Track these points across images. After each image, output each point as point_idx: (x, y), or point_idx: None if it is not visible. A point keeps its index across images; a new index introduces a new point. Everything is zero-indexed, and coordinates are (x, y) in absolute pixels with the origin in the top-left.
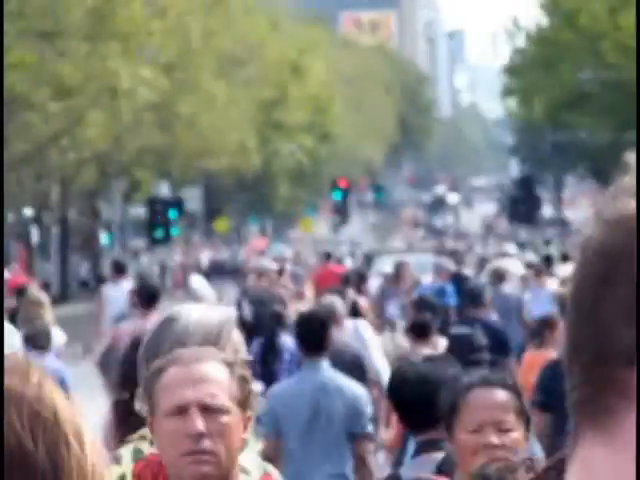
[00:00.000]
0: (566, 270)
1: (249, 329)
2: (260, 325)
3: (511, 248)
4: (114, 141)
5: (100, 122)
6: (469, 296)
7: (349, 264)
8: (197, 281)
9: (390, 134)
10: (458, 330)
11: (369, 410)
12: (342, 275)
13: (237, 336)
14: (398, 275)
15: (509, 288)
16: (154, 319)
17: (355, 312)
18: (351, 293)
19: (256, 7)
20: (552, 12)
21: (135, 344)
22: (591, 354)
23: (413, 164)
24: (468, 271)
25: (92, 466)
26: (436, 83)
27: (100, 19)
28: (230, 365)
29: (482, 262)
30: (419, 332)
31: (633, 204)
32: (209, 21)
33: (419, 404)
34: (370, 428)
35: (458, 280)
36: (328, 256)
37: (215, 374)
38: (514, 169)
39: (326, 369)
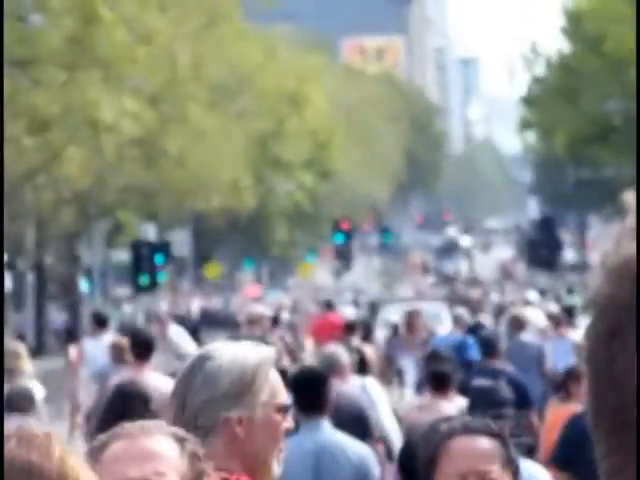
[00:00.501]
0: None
1: None
2: None
3: (532, 295)
4: (95, 179)
5: (80, 158)
6: (483, 346)
7: (352, 313)
8: (175, 332)
9: (397, 170)
10: (479, 382)
11: (377, 472)
12: (345, 325)
13: (275, 377)
14: (410, 325)
15: (528, 337)
16: (147, 373)
17: (362, 364)
18: (356, 343)
19: (250, 32)
20: (574, 37)
21: (120, 392)
22: (613, 418)
23: (422, 203)
24: (485, 321)
25: None
26: (447, 115)
27: (79, 45)
28: (181, 440)
29: (499, 311)
30: (438, 384)
31: (633, 248)
32: (198, 48)
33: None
34: None
35: (477, 331)
36: (329, 305)
37: (163, 450)
38: (533, 209)
39: (327, 429)
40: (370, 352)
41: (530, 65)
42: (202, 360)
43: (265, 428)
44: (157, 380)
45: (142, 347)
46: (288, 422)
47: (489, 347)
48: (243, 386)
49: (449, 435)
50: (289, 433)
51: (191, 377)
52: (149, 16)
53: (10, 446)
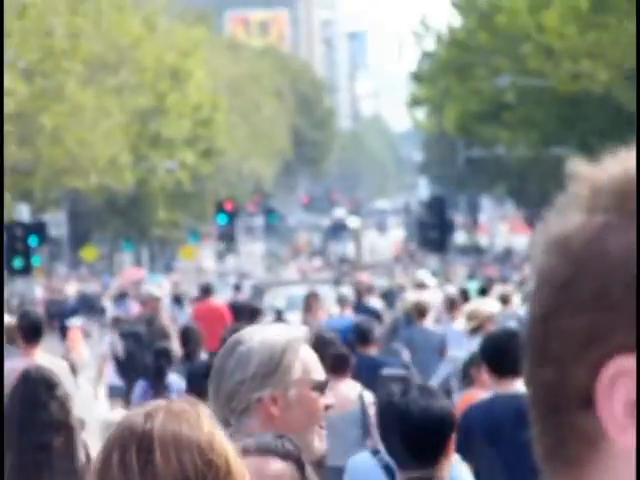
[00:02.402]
0: (476, 305)
1: (124, 368)
2: (135, 363)
3: (428, 278)
4: None
5: None
6: (358, 333)
7: (233, 298)
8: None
9: (283, 149)
10: (389, 371)
11: None
12: (233, 310)
13: (308, 355)
14: (308, 307)
15: (429, 324)
16: (39, 356)
17: None
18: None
19: (128, 5)
20: (466, 11)
21: (26, 378)
22: (546, 400)
23: (309, 183)
24: (374, 304)
25: None
26: (335, 90)
27: None
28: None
29: (389, 294)
30: (337, 366)
31: (578, 219)
32: (75, 20)
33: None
34: None
35: (365, 313)
36: (206, 290)
37: None
38: (423, 189)
39: None
40: None
41: (420, 40)
42: (234, 345)
43: (300, 405)
44: (47, 362)
45: (31, 329)
46: (326, 398)
47: (363, 335)
48: (272, 366)
49: (239, 455)
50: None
51: (224, 362)
52: None
53: (159, 419)
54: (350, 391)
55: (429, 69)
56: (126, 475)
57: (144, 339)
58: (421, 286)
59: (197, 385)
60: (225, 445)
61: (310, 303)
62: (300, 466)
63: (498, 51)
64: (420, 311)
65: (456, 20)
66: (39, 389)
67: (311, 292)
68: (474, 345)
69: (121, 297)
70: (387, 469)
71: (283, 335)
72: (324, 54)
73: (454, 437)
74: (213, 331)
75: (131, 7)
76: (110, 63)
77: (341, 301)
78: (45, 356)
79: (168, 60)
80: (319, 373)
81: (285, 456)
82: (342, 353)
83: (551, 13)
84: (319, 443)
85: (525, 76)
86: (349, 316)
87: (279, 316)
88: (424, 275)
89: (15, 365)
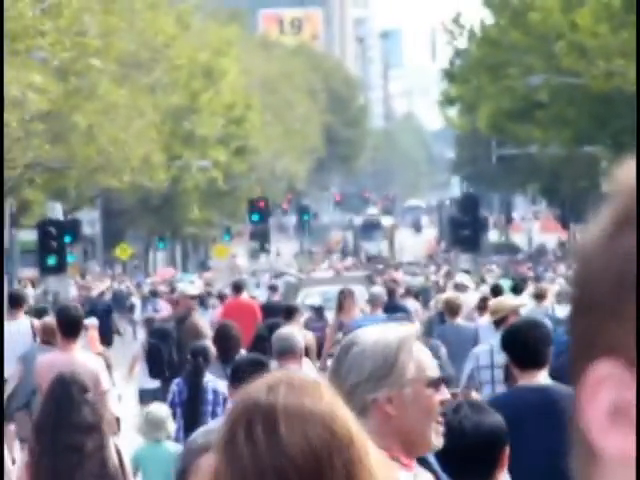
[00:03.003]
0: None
1: (152, 367)
2: (161, 362)
3: (467, 280)
4: None
5: None
6: None
7: (271, 296)
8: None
9: (315, 147)
10: None
11: None
12: (269, 309)
13: (421, 353)
14: (341, 306)
15: (462, 320)
16: (77, 351)
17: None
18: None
19: (162, 3)
20: (498, 9)
21: (60, 382)
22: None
23: (341, 181)
24: (408, 304)
25: None
26: (367, 89)
27: None
28: None
29: (424, 294)
30: None
31: (595, 227)
32: (108, 19)
33: None
34: None
35: (396, 312)
36: (238, 287)
37: None
38: (456, 188)
39: None
40: (309, 336)
41: (453, 38)
42: (348, 347)
43: (416, 403)
44: (85, 359)
45: (70, 325)
46: (442, 394)
47: None
48: (387, 367)
49: (200, 451)
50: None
51: (339, 364)
52: None
53: (282, 392)
54: None
55: (462, 67)
56: (254, 449)
57: (173, 337)
58: (460, 288)
59: (239, 379)
60: (347, 415)
61: (343, 301)
62: None
63: (531, 49)
64: (452, 308)
65: (489, 18)
66: (73, 392)
67: (344, 290)
68: (498, 338)
69: (152, 296)
70: None
71: (395, 334)
72: (357, 52)
73: (506, 450)
74: (244, 328)
75: (165, 6)
76: (143, 62)
77: (372, 301)
78: (83, 352)
79: (201, 59)
80: (433, 370)
81: None
82: None
83: (584, 11)
84: (437, 439)
85: (558, 75)
86: (380, 315)
87: (319, 313)
88: (464, 277)
89: (53, 359)
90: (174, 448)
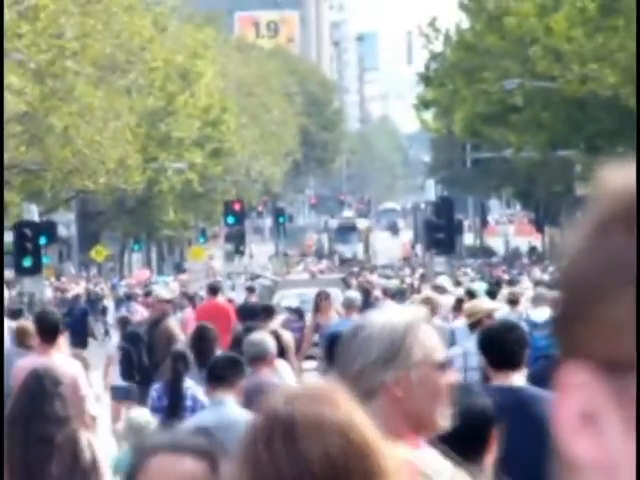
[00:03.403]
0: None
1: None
2: (132, 365)
3: (447, 283)
4: None
5: None
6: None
7: (247, 298)
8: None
9: (291, 150)
10: None
11: None
12: (246, 311)
13: (428, 336)
14: (318, 307)
15: (437, 321)
16: (54, 355)
17: (280, 349)
18: (274, 327)
19: (138, 6)
20: (474, 13)
21: (34, 376)
22: None
23: (317, 184)
24: (388, 305)
25: None
26: (343, 92)
27: None
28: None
29: (400, 295)
30: None
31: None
32: (84, 21)
33: None
34: None
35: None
36: (214, 290)
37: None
38: (431, 191)
39: (231, 405)
40: (288, 336)
41: (429, 41)
42: (355, 331)
43: (423, 386)
44: (64, 363)
45: (49, 329)
46: (449, 376)
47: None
48: (394, 349)
49: (151, 452)
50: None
51: (346, 348)
52: None
53: (299, 402)
54: None
55: (437, 71)
56: (273, 459)
57: (144, 341)
58: (439, 290)
59: (216, 378)
60: (364, 423)
61: (320, 303)
62: (214, 465)
63: (506, 54)
64: (432, 307)
65: (465, 22)
66: (46, 384)
67: (321, 292)
68: (473, 341)
69: (127, 299)
70: None
71: (402, 317)
72: (333, 55)
73: (495, 434)
74: (219, 331)
75: (141, 9)
76: (120, 64)
77: (347, 305)
78: (60, 355)
79: (177, 61)
80: (440, 353)
81: (198, 454)
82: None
83: (559, 16)
84: (443, 420)
85: (533, 79)
86: (356, 318)
87: (298, 314)
88: (444, 279)
89: (30, 363)
90: None
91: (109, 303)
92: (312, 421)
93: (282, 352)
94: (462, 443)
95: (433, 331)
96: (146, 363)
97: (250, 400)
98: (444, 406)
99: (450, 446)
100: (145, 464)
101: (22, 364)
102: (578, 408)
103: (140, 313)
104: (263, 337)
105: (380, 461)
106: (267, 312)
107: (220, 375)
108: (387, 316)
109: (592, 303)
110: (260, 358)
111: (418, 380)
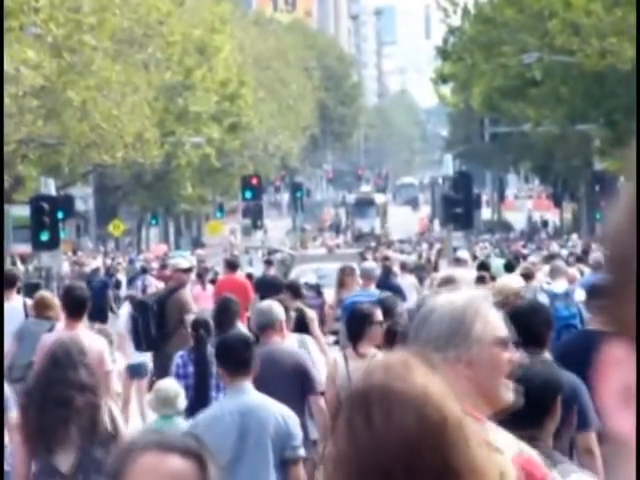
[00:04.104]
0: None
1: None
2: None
3: (466, 255)
4: None
5: None
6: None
7: (259, 273)
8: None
9: (309, 124)
10: None
11: (299, 432)
12: (263, 284)
13: (489, 313)
14: (342, 282)
15: None
16: (81, 330)
17: (301, 323)
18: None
19: None
20: None
21: (60, 345)
22: None
23: (335, 159)
24: (410, 280)
25: (480, 466)
26: (361, 66)
27: None
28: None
29: (418, 270)
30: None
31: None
32: None
33: None
34: (302, 452)
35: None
36: (232, 265)
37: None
38: (449, 165)
39: (250, 391)
40: (311, 314)
41: (447, 15)
42: (417, 310)
43: (485, 362)
44: (90, 338)
45: (76, 305)
46: (510, 353)
47: (386, 312)
48: (455, 326)
49: (139, 450)
50: (515, 364)
51: (410, 326)
52: None
53: (377, 376)
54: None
55: (455, 45)
56: (371, 428)
57: (153, 311)
58: (458, 261)
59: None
60: (440, 396)
61: (344, 279)
62: (202, 466)
63: (525, 27)
64: (447, 285)
65: None
66: (73, 352)
67: (346, 267)
68: None
69: (142, 272)
70: None
71: (464, 296)
72: (351, 29)
73: (558, 401)
74: None
75: None
76: (137, 38)
77: (365, 275)
78: (87, 331)
79: (195, 35)
80: (501, 329)
81: (186, 453)
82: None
83: None
84: (507, 395)
85: (552, 53)
86: (374, 291)
87: (316, 290)
88: (463, 253)
89: (57, 337)
90: (183, 424)
91: (122, 277)
92: (389, 395)
93: (306, 328)
94: (525, 412)
95: (494, 308)
96: (153, 332)
97: (262, 367)
98: (507, 382)
99: (514, 414)
100: (133, 462)
101: (50, 338)
102: (620, 383)
103: (154, 286)
104: (271, 305)
105: (470, 432)
106: (294, 290)
107: (240, 360)
108: (449, 296)
109: (631, 283)
110: (269, 326)
111: (479, 356)
